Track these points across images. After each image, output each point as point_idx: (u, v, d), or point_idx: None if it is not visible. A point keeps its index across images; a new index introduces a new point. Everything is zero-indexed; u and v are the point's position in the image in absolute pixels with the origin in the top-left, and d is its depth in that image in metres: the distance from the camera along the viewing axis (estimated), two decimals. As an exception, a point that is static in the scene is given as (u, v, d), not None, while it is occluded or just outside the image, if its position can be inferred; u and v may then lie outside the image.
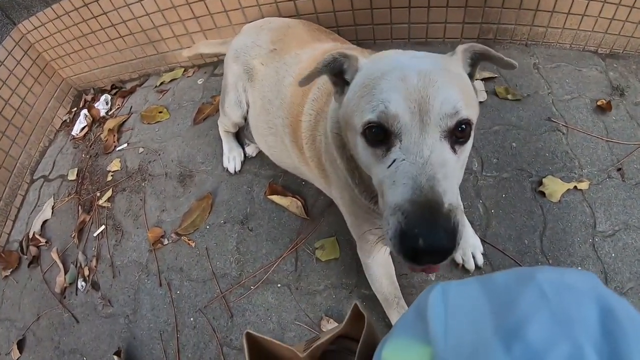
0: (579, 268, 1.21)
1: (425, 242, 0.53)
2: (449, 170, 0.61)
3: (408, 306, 1.12)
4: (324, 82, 1.03)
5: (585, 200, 1.31)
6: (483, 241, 1.25)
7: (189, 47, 1.97)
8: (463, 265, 1.21)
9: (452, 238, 0.56)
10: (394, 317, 1.14)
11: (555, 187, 1.34)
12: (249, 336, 0.58)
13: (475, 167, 1.42)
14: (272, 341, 0.58)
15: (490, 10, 1.65)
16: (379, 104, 0.63)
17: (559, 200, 1.32)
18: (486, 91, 1.61)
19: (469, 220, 1.26)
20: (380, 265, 1.15)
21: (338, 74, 0.79)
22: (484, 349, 0.31)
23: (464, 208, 1.29)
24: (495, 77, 1.66)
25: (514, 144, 1.47)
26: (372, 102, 0.64)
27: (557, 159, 1.42)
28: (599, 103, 1.53)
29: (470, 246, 1.21)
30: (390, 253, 1.17)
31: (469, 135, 0.67)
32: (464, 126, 0.64)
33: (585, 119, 1.53)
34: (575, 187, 1.33)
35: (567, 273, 0.35)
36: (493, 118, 1.54)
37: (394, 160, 0.62)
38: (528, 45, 1.76)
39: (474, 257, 1.21)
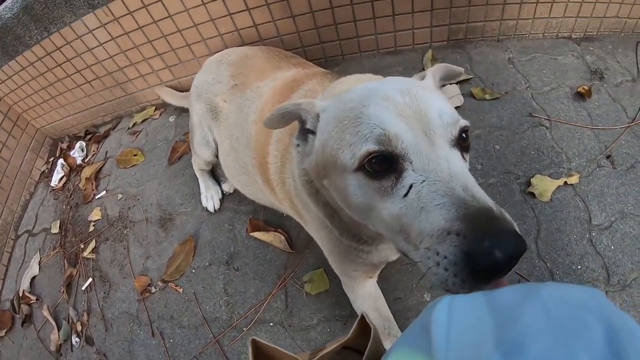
0: (579, 267, 1.17)
1: (502, 252, 0.45)
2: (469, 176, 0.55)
3: (400, 330, 1.09)
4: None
5: (577, 194, 1.28)
6: (476, 253, 1.21)
7: (159, 86, 1.97)
8: None
9: (520, 237, 0.48)
10: (387, 345, 1.09)
11: (544, 186, 1.30)
12: (255, 343, 0.56)
13: (459, 176, 1.38)
14: (277, 349, 0.56)
15: (457, 10, 1.61)
16: (373, 130, 0.56)
17: (550, 199, 1.28)
18: (462, 94, 1.57)
19: (459, 234, 1.22)
20: (367, 299, 1.11)
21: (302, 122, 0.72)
22: None
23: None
24: (470, 78, 1.62)
25: (497, 146, 1.43)
26: (362, 131, 0.57)
27: (543, 156, 1.39)
28: (579, 90, 1.50)
29: None
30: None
31: (469, 144, 0.63)
32: (464, 134, 0.60)
33: (568, 109, 1.49)
34: (565, 182, 1.30)
35: (572, 290, 0.35)
36: (473, 122, 1.48)
37: (411, 186, 0.54)
38: (500, 40, 1.72)
39: None
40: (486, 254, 0.45)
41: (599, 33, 1.68)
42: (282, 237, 1.37)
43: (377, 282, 1.16)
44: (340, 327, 1.22)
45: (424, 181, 0.53)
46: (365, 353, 0.53)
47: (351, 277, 1.08)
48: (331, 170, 0.63)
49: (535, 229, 1.25)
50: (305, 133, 0.71)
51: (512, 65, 1.64)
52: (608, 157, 1.34)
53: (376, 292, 1.14)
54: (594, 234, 1.20)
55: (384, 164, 0.56)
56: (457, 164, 0.55)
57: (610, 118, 1.43)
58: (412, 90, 0.59)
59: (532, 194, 1.29)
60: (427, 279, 0.51)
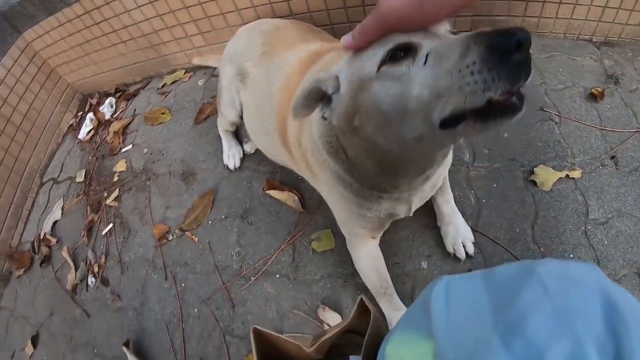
0: (571, 256, 1.22)
1: (515, 30, 0.49)
2: None
3: (397, 294, 1.17)
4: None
5: (577, 188, 1.32)
6: (475, 230, 1.27)
7: (200, 56, 2.03)
8: (455, 255, 1.24)
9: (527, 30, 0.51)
10: (382, 304, 1.18)
11: (546, 176, 1.34)
12: (256, 332, 0.57)
13: (467, 157, 1.45)
14: (278, 336, 0.57)
15: (481, 3, 1.65)
16: (389, 39, 0.61)
17: (551, 189, 1.33)
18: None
19: (460, 210, 1.28)
20: (369, 258, 1.19)
21: (321, 97, 0.77)
22: (483, 344, 0.31)
23: (455, 198, 1.31)
24: (487, 69, 1.68)
25: (505, 134, 1.49)
26: (380, 45, 0.62)
27: (549, 149, 1.43)
28: (592, 91, 1.54)
29: (460, 236, 1.23)
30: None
31: None
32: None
33: (579, 108, 1.53)
34: (567, 175, 1.34)
35: (571, 266, 0.35)
36: (485, 109, 1.56)
37: (428, 53, 0.57)
38: (521, 37, 1.76)
39: (464, 247, 1.23)
40: (503, 34, 0.49)
41: (620, 39, 1.70)
42: (296, 197, 1.46)
43: (379, 246, 1.23)
44: (341, 284, 1.30)
45: (437, 45, 0.57)
46: (366, 335, 0.54)
47: (357, 235, 1.16)
48: (359, 95, 0.66)
49: (533, 215, 1.29)
50: (329, 100, 0.76)
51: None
52: (612, 157, 1.37)
53: (377, 253, 1.21)
54: (589, 227, 1.23)
55: (401, 56, 0.60)
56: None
57: (620, 121, 1.46)
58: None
59: (534, 182, 1.34)
60: (470, 99, 0.53)
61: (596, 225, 1.24)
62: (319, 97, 0.76)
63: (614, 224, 1.23)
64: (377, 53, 0.61)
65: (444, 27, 0.62)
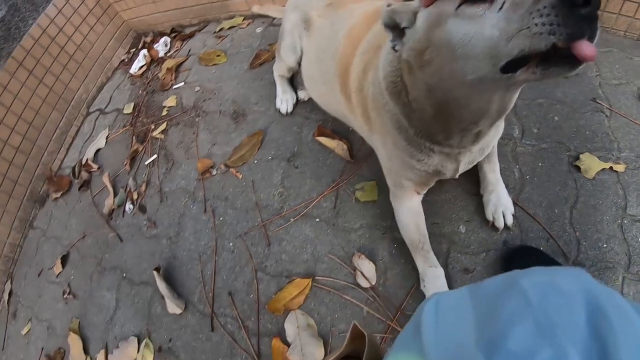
0: (604, 245, 1.22)
1: None
2: None
3: (432, 250, 1.20)
4: (373, 35, 1.07)
5: (619, 182, 1.32)
6: (515, 204, 1.29)
7: (260, 5, 2.02)
8: (493, 224, 1.26)
9: None
10: (418, 259, 1.21)
11: (591, 164, 1.35)
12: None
13: (516, 133, 1.46)
14: None
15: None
16: None
17: (594, 177, 1.33)
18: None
19: (504, 183, 1.30)
20: (410, 212, 1.21)
21: (394, 27, 0.80)
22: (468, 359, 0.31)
23: (501, 170, 1.33)
24: (547, 52, 1.68)
25: (556, 117, 1.50)
26: None
27: (597, 139, 1.42)
28: None
29: (502, 205, 1.25)
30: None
31: None
32: None
33: (631, 106, 1.53)
34: (611, 167, 1.33)
35: (557, 274, 0.35)
36: (539, 91, 1.56)
37: (505, 1, 0.60)
38: (584, 27, 1.75)
39: (504, 217, 1.25)
40: None
41: (682, 46, 1.70)
42: (345, 146, 1.49)
43: (422, 204, 1.26)
44: (379, 235, 1.33)
45: None
46: (364, 358, 0.54)
47: (401, 187, 1.18)
48: (433, 31, 0.69)
49: (574, 199, 1.30)
50: (402, 33, 0.79)
51: (589, 52, 1.68)
52: None
53: (419, 209, 1.23)
54: (625, 221, 1.23)
55: None
56: None
57: None
58: None
59: (578, 168, 1.35)
60: (536, 41, 0.56)
61: (633, 221, 1.24)
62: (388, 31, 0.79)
63: None
64: None
65: None
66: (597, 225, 1.26)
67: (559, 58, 0.56)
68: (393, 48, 0.82)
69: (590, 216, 1.27)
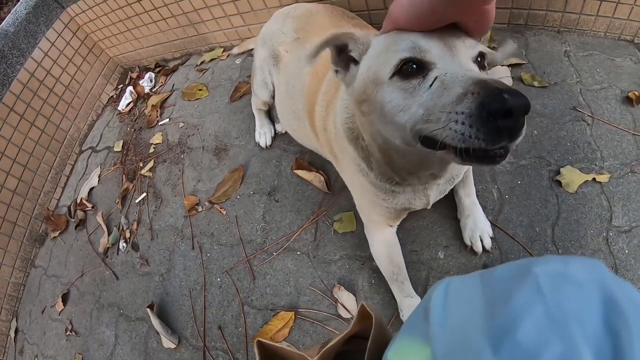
0: None
1: (511, 96, 0.50)
2: None
3: (412, 281, 1.20)
4: (333, 76, 1.08)
5: (603, 193, 1.29)
6: (494, 225, 1.28)
7: (238, 45, 2.10)
8: (472, 248, 1.25)
9: (526, 97, 0.52)
10: (394, 290, 1.22)
11: (572, 178, 1.32)
12: (260, 344, 0.57)
13: (493, 152, 1.45)
14: (282, 348, 0.57)
15: (520, -4, 1.63)
16: (408, 43, 0.64)
17: (576, 191, 1.31)
18: (512, 77, 1.62)
19: (482, 205, 1.29)
20: (383, 245, 1.22)
21: (342, 50, 0.79)
22: (474, 349, 0.30)
23: (478, 192, 1.32)
24: (523, 63, 1.66)
25: (535, 131, 1.48)
26: (399, 47, 0.65)
27: (578, 149, 1.40)
28: (629, 94, 1.50)
29: (478, 230, 1.24)
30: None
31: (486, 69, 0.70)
32: (480, 59, 0.67)
33: (613, 111, 1.49)
34: (594, 179, 1.31)
35: (571, 263, 0.33)
36: (516, 105, 1.56)
37: (436, 78, 0.60)
38: (560, 32, 1.72)
39: (482, 241, 1.24)
40: (496, 96, 0.51)
41: (663, 42, 1.66)
42: (322, 178, 1.50)
43: (398, 233, 1.26)
44: (358, 266, 1.34)
45: (446, 73, 0.60)
46: (369, 341, 0.53)
47: (374, 221, 1.19)
48: (371, 89, 0.70)
49: (555, 215, 1.28)
50: (347, 62, 0.79)
51: (567, 58, 1.65)
52: None
53: (393, 241, 1.24)
54: (611, 233, 1.21)
55: (414, 69, 0.63)
56: (475, 69, 0.63)
57: None
58: (445, 31, 0.66)
59: (559, 183, 1.32)
60: (449, 140, 0.57)
61: (619, 232, 1.21)
62: (335, 44, 0.79)
63: (637, 233, 1.19)
64: (394, 58, 0.65)
65: (469, 42, 0.65)
66: (581, 240, 1.23)
67: (476, 155, 0.57)
68: (335, 71, 0.82)
69: (574, 232, 1.25)
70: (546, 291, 0.30)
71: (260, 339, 0.56)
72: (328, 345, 0.57)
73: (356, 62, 0.77)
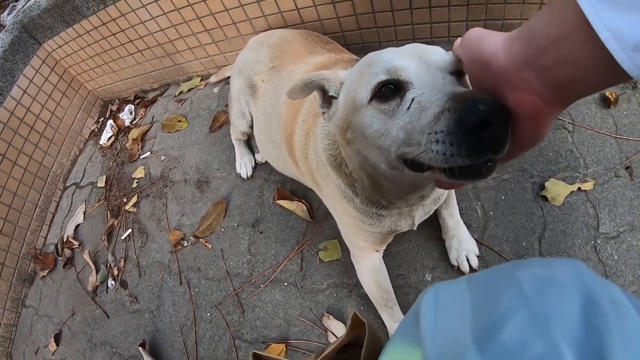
0: None
1: (486, 105, 0.48)
2: None
3: (398, 305, 1.19)
4: (310, 103, 1.07)
5: (589, 200, 1.28)
6: (480, 243, 1.27)
7: (215, 74, 2.10)
8: (459, 268, 1.24)
9: (503, 104, 0.49)
10: (383, 315, 1.20)
11: (558, 191, 1.30)
12: (257, 356, 0.58)
13: (475, 168, 1.44)
14: (279, 359, 0.58)
15: (493, 7, 1.63)
16: (383, 65, 0.63)
17: (562, 204, 1.29)
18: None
19: (466, 223, 1.28)
20: (370, 271, 1.21)
21: (325, 92, 0.80)
22: (462, 352, 0.31)
23: (462, 210, 1.31)
24: (499, 74, 1.66)
25: (516, 144, 1.47)
26: (374, 70, 0.64)
27: (561, 159, 1.39)
28: (606, 94, 1.49)
29: (464, 249, 1.23)
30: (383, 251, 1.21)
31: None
32: (459, 66, 0.64)
33: (594, 115, 1.48)
34: (579, 188, 1.29)
35: (553, 265, 0.34)
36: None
37: (413, 99, 0.59)
38: (534, 41, 1.73)
39: (468, 260, 1.23)
40: (472, 110, 0.49)
41: None
42: (305, 207, 1.49)
43: (384, 258, 1.25)
44: (346, 294, 1.33)
45: (422, 93, 0.58)
46: (363, 348, 0.54)
47: (360, 247, 1.17)
48: (351, 115, 0.70)
49: (541, 228, 1.26)
50: (329, 100, 0.79)
51: (542, 67, 1.66)
52: (627, 168, 1.31)
53: (379, 266, 1.22)
54: (599, 241, 1.19)
55: (392, 90, 0.62)
56: (452, 80, 0.61)
57: (637, 129, 1.40)
58: (419, 46, 0.67)
59: (545, 198, 1.31)
60: (433, 162, 0.55)
61: (607, 239, 1.20)
62: (315, 89, 0.79)
63: (625, 239, 1.18)
64: (370, 82, 0.64)
65: (443, 54, 0.64)
66: (569, 250, 1.22)
67: (462, 172, 0.55)
68: (322, 113, 0.82)
69: (561, 243, 1.24)
70: (529, 294, 0.31)
71: (256, 351, 0.57)
72: (322, 355, 0.59)
73: (336, 98, 0.77)
